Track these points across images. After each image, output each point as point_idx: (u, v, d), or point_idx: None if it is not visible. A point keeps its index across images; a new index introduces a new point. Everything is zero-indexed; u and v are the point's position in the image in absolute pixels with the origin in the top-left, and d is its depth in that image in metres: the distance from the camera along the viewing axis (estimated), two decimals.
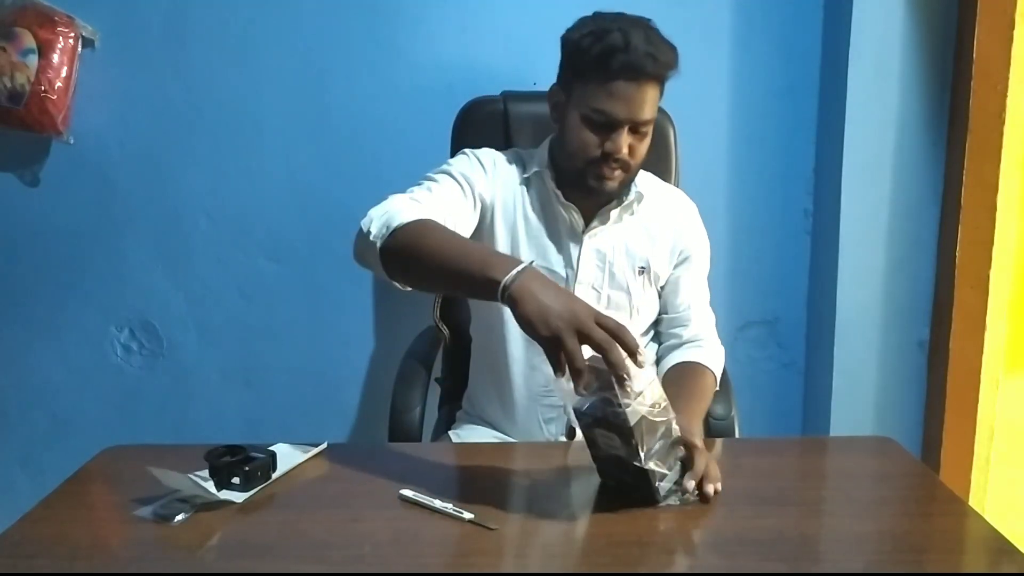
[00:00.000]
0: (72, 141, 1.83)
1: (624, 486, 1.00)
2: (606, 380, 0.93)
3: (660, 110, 1.28)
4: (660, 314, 1.41)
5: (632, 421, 0.92)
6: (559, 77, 1.29)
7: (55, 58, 1.74)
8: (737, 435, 1.39)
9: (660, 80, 1.21)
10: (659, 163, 1.53)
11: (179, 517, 0.96)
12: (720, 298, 1.46)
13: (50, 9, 1.75)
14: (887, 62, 1.72)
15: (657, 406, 0.95)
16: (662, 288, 1.40)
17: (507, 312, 1.32)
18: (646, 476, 0.96)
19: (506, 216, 1.32)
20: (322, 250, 1.92)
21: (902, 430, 1.85)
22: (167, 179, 1.89)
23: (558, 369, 0.93)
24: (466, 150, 1.36)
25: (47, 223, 1.91)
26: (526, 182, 1.34)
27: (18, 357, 1.98)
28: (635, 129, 1.23)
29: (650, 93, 1.21)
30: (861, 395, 1.85)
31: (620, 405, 0.92)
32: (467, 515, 0.95)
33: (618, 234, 1.34)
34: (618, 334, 0.93)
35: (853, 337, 1.83)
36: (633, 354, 0.93)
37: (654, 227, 1.37)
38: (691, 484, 0.98)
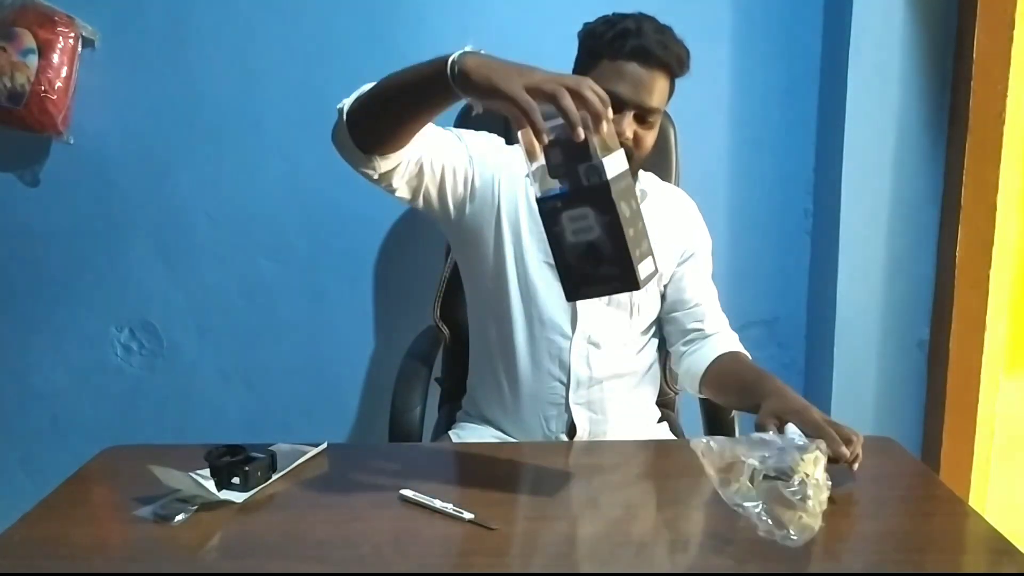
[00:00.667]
0: (72, 141, 1.83)
1: (598, 281, 0.93)
2: (574, 147, 0.89)
3: None
4: (671, 312, 1.41)
5: (610, 175, 0.89)
6: (574, 70, 1.29)
7: (55, 58, 1.74)
8: (737, 435, 1.39)
9: (669, 71, 1.22)
10: (659, 163, 1.53)
11: (179, 517, 0.95)
12: (720, 298, 1.46)
13: (50, 9, 1.75)
14: (887, 62, 1.72)
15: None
16: (665, 287, 1.40)
17: (512, 303, 1.33)
18: (625, 251, 0.90)
19: (510, 211, 1.31)
20: (322, 250, 1.92)
21: (902, 430, 1.85)
22: (167, 179, 1.89)
23: (532, 124, 0.89)
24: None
25: (47, 223, 1.91)
26: (531, 176, 1.33)
27: (18, 357, 1.98)
28: (642, 118, 1.23)
29: (659, 81, 1.21)
30: (861, 395, 1.85)
31: (597, 156, 0.88)
32: (467, 515, 0.95)
33: None
34: (585, 82, 0.92)
35: (853, 337, 1.83)
36: (605, 102, 0.91)
37: (657, 225, 1.36)
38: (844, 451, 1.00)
